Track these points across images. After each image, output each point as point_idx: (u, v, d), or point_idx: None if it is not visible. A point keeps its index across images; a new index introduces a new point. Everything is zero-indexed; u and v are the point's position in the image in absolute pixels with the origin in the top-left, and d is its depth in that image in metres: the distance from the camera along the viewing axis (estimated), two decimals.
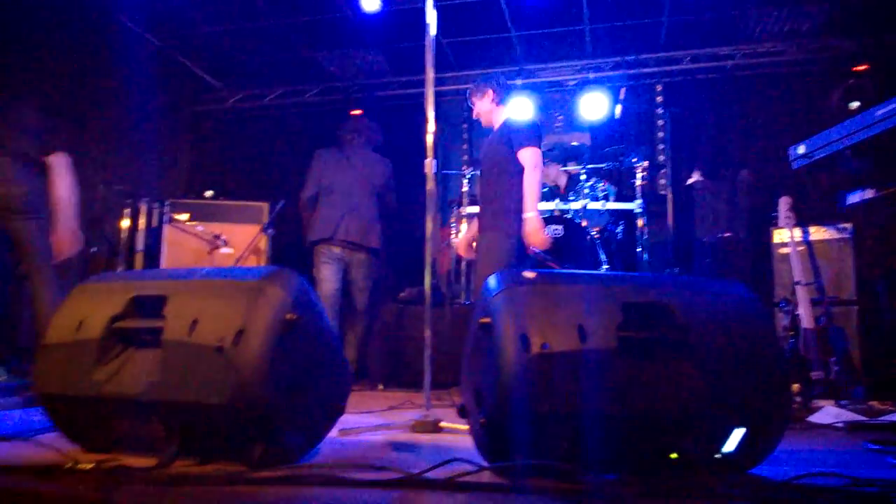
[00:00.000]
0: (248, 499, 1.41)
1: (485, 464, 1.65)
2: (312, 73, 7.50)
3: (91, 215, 5.32)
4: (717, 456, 1.69)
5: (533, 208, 3.65)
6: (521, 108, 6.97)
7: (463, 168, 6.42)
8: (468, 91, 4.22)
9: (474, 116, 4.20)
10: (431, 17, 2.94)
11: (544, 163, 5.84)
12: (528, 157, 3.70)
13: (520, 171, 3.70)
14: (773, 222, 4.45)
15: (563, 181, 6.06)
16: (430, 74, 2.92)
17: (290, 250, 7.57)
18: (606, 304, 1.69)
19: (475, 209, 5.80)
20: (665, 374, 1.66)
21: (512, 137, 3.78)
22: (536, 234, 3.64)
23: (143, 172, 6.59)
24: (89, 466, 1.54)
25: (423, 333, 5.22)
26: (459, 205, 6.13)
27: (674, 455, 1.67)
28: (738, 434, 1.66)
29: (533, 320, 1.65)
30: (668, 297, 1.73)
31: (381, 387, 4.91)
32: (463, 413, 1.96)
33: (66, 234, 3.14)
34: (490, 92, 4.07)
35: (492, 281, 1.83)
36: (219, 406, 1.61)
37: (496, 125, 4.03)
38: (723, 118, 6.60)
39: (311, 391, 1.81)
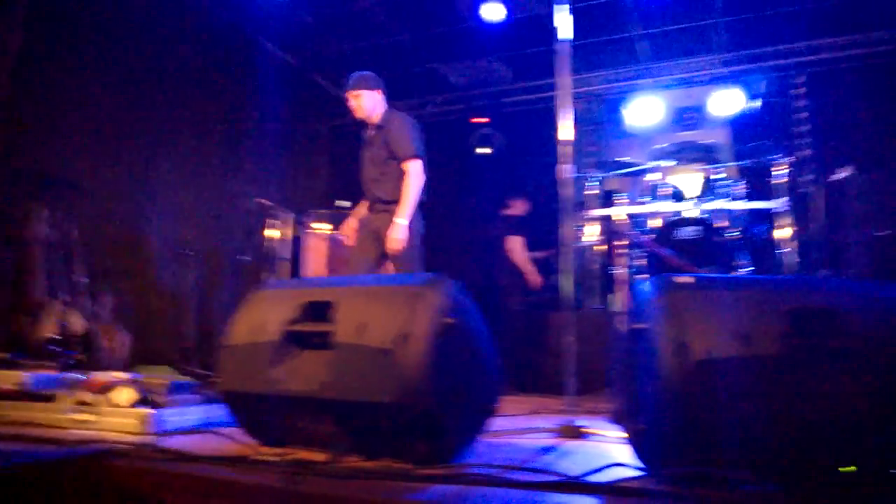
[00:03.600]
0: (417, 494, 1.49)
1: (645, 469, 1.65)
2: (435, 84, 7.68)
3: (244, 226, 5.73)
4: (892, 471, 1.60)
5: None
6: (648, 109, 6.84)
7: (590, 171, 6.35)
8: (350, 84, 4.11)
9: (358, 111, 4.11)
10: (565, 21, 2.94)
11: (677, 163, 5.71)
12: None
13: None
14: None
15: (694, 182, 5.86)
16: (567, 80, 2.92)
17: (423, 256, 7.81)
18: (770, 310, 1.64)
19: (603, 211, 5.75)
20: (834, 384, 1.58)
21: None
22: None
23: (286, 185, 7.01)
24: (272, 458, 1.68)
25: (552, 339, 5.25)
26: (587, 207, 6.06)
27: (845, 469, 1.60)
28: None
29: (692, 326, 1.62)
30: (838, 302, 1.65)
31: (513, 392, 4.94)
32: (618, 419, 1.96)
33: None
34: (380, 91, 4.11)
35: (645, 286, 1.82)
36: (386, 405, 1.70)
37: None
38: (875, 108, 6.14)
39: (467, 393, 1.88)
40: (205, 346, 5.91)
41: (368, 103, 4.05)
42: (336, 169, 8.06)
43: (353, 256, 4.05)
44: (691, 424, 1.57)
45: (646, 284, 1.83)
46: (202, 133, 6.02)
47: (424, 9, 6.10)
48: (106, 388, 2.19)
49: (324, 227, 6.09)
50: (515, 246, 6.19)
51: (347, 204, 6.66)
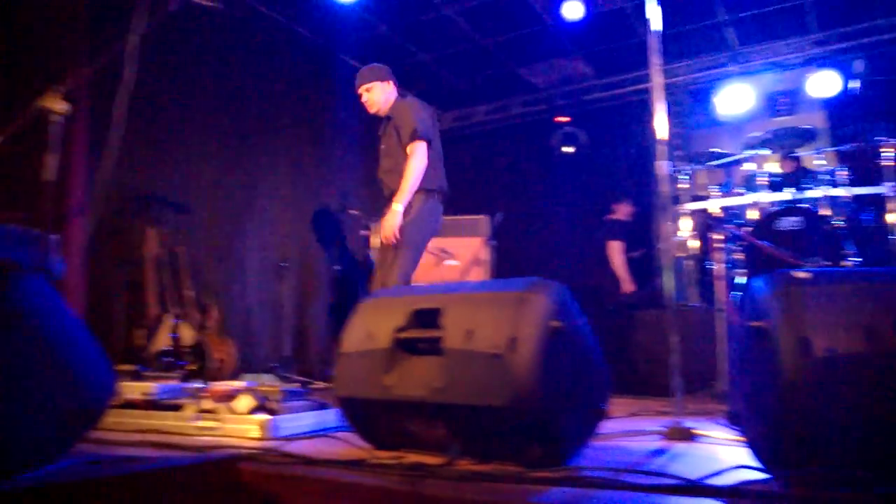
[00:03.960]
0: (538, 497, 1.50)
1: (767, 472, 1.61)
2: (516, 86, 7.68)
3: (336, 237, 5.91)
4: None
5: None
6: (738, 97, 6.62)
7: (678, 164, 6.19)
8: (360, 79, 3.98)
9: (370, 106, 3.99)
10: (653, 12, 2.86)
11: (772, 151, 5.48)
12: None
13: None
14: None
15: (792, 169, 5.62)
16: (658, 78, 2.84)
17: (511, 259, 7.83)
18: (894, 301, 1.57)
19: (698, 205, 5.59)
20: None
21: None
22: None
23: (375, 195, 7.16)
24: (390, 462, 1.73)
25: (650, 338, 5.14)
26: (679, 202, 5.90)
27: None
28: None
29: (813, 322, 1.56)
30: None
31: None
32: (734, 420, 1.92)
33: None
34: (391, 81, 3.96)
35: (760, 282, 1.77)
36: (498, 409, 1.73)
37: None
38: None
39: (577, 395, 1.88)
40: (302, 355, 6.12)
41: (380, 96, 3.90)
42: None
43: (378, 254, 3.88)
44: (815, 424, 1.52)
45: (760, 280, 1.78)
46: (295, 149, 6.26)
47: (502, 12, 6.11)
48: (227, 397, 2.31)
49: None
50: (613, 252, 6.14)
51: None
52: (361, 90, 3.95)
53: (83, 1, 4.05)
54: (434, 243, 5.88)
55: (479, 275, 5.95)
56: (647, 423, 3.04)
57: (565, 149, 7.47)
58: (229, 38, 5.52)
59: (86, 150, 3.93)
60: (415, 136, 3.65)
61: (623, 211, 6.44)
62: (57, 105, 2.49)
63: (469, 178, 8.03)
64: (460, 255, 5.80)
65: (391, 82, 3.96)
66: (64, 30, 3.91)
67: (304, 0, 5.89)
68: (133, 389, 2.47)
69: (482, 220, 6.13)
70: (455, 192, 7.75)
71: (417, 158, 3.63)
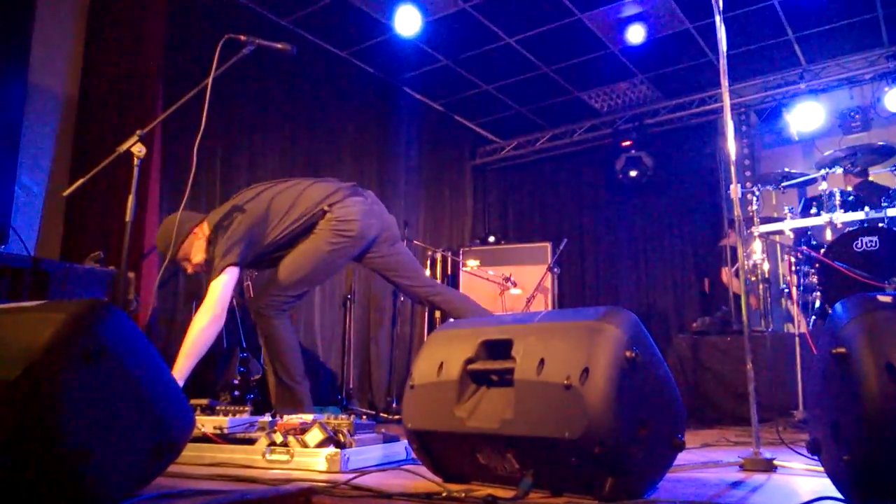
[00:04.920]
0: None
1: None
2: (579, 112, 7.68)
3: None
4: None
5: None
6: (808, 115, 6.44)
7: (747, 185, 6.04)
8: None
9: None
10: (721, 34, 2.83)
11: (845, 170, 5.29)
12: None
13: None
14: None
15: (868, 188, 5.41)
16: (727, 100, 2.79)
17: (575, 287, 7.76)
18: None
19: (770, 227, 5.42)
20: None
21: None
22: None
23: (436, 225, 7.23)
24: (462, 494, 1.71)
25: (722, 366, 4.99)
26: (750, 224, 5.74)
27: None
28: None
29: None
30: None
31: None
32: (814, 449, 1.83)
33: None
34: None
35: (839, 307, 1.70)
36: (570, 441, 1.69)
37: None
38: None
39: (651, 427, 1.83)
40: (366, 387, 6.16)
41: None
42: (483, 206, 8.22)
43: None
44: None
45: (840, 305, 1.71)
46: (359, 182, 6.36)
47: (563, 39, 6.14)
48: (297, 430, 2.33)
49: (475, 264, 6.21)
50: (729, 277, 6.03)
51: (492, 238, 6.79)
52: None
53: (159, 49, 4.26)
54: (497, 271, 5.90)
55: (542, 303, 5.91)
56: (724, 453, 2.95)
57: (630, 173, 7.39)
58: (295, 77, 5.70)
59: (158, 191, 4.11)
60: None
61: (733, 237, 6.34)
62: (136, 148, 2.61)
63: (532, 206, 8.03)
64: (523, 282, 5.77)
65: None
66: (141, 76, 4.12)
67: (368, 37, 6.04)
68: (206, 423, 2.53)
69: (545, 248, 6.10)
70: (518, 220, 7.81)
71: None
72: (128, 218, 2.55)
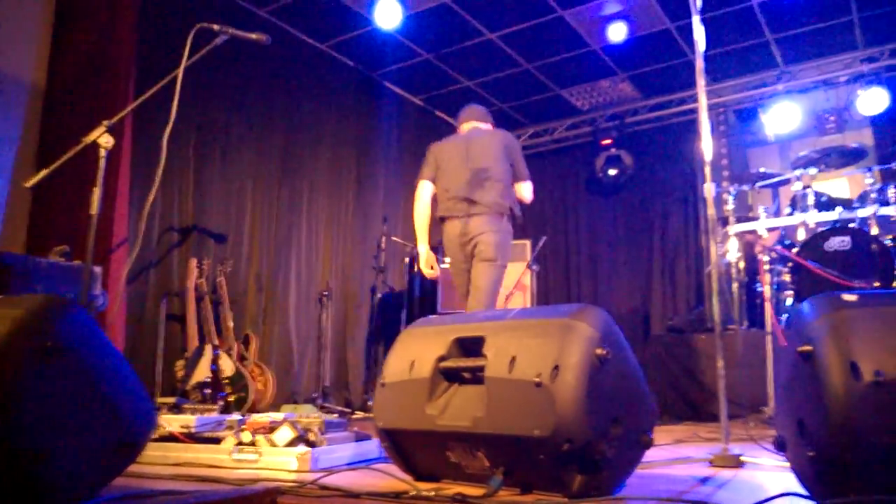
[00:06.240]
0: None
1: (815, 499, 1.54)
2: (560, 109, 7.68)
3: (377, 264, 5.92)
4: None
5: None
6: (784, 116, 6.49)
7: (724, 185, 6.08)
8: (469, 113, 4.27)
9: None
10: (700, 33, 2.83)
11: (819, 169, 5.35)
12: None
13: None
14: None
15: (841, 188, 5.47)
16: (703, 100, 2.79)
17: (554, 284, 7.76)
18: None
19: (744, 226, 5.46)
20: None
21: None
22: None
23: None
24: (431, 493, 1.69)
25: (696, 363, 5.02)
26: (726, 223, 5.78)
27: None
28: None
29: (861, 345, 1.50)
30: None
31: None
32: (780, 446, 1.84)
33: None
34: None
35: (806, 306, 1.71)
36: (540, 438, 1.68)
37: None
38: None
39: (622, 424, 1.82)
40: (342, 385, 6.12)
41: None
42: None
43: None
44: (862, 450, 1.45)
45: (806, 304, 1.72)
46: (337, 177, 6.32)
47: (545, 36, 6.13)
48: (266, 429, 2.30)
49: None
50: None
51: None
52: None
53: (131, 35, 4.17)
54: None
55: (521, 300, 5.90)
56: (694, 450, 2.97)
57: (610, 171, 7.41)
58: (273, 68, 5.62)
59: (128, 184, 4.02)
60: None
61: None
62: (103, 139, 2.55)
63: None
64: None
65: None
66: (110, 62, 4.03)
67: (348, 29, 5.98)
68: (172, 422, 2.48)
69: (524, 245, 6.08)
70: None
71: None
72: (93, 211, 2.49)
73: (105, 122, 2.55)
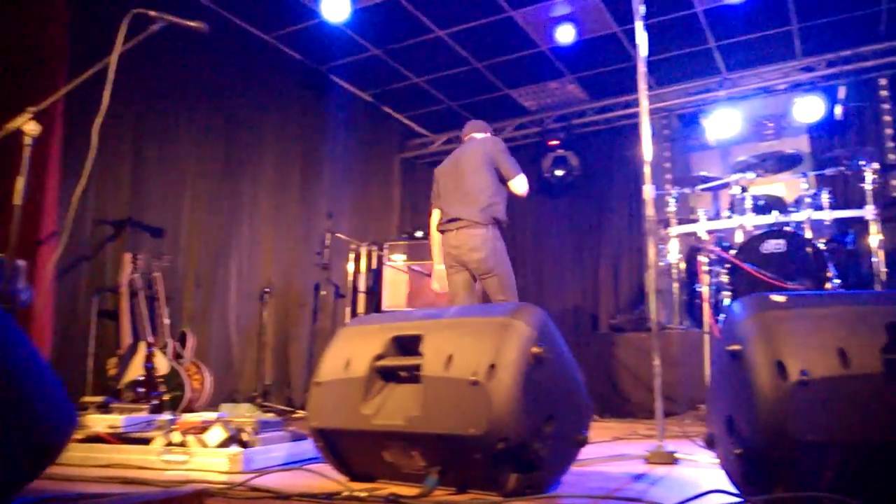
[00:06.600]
0: None
1: (742, 496, 1.57)
2: (508, 109, 7.71)
3: (321, 261, 5.82)
4: None
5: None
6: (725, 121, 6.66)
7: (667, 187, 6.20)
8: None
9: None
10: (640, 38, 2.87)
11: (757, 174, 5.51)
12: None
13: None
14: None
15: (777, 193, 5.65)
16: (645, 103, 2.83)
17: None
18: (868, 325, 1.54)
19: (684, 228, 5.59)
20: None
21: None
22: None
23: (362, 218, 7.12)
24: (364, 494, 1.67)
25: (637, 361, 5.10)
26: (667, 225, 5.90)
27: None
28: None
29: (788, 345, 1.55)
30: None
31: (596, 417, 4.82)
32: (711, 443, 1.88)
33: None
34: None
35: (736, 306, 1.75)
36: (475, 437, 1.67)
37: None
38: None
39: (557, 423, 1.83)
40: (284, 383, 6.02)
41: None
42: (411, 200, 8.14)
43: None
44: (787, 448, 1.49)
45: (737, 304, 1.76)
46: (281, 172, 6.20)
47: (494, 36, 6.14)
48: (197, 429, 2.24)
49: (401, 259, 6.15)
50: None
51: (421, 234, 6.75)
52: None
53: (62, 21, 4.00)
54: (423, 267, 5.84)
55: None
56: (631, 447, 3.01)
57: (556, 172, 7.48)
58: (216, 59, 5.47)
59: (58, 174, 3.86)
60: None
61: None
62: (28, 127, 2.44)
63: None
64: None
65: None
66: (42, 49, 3.86)
67: (294, 21, 5.87)
68: (99, 422, 2.39)
69: None
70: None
71: None
72: (17, 201, 2.38)
73: (30, 109, 2.43)
